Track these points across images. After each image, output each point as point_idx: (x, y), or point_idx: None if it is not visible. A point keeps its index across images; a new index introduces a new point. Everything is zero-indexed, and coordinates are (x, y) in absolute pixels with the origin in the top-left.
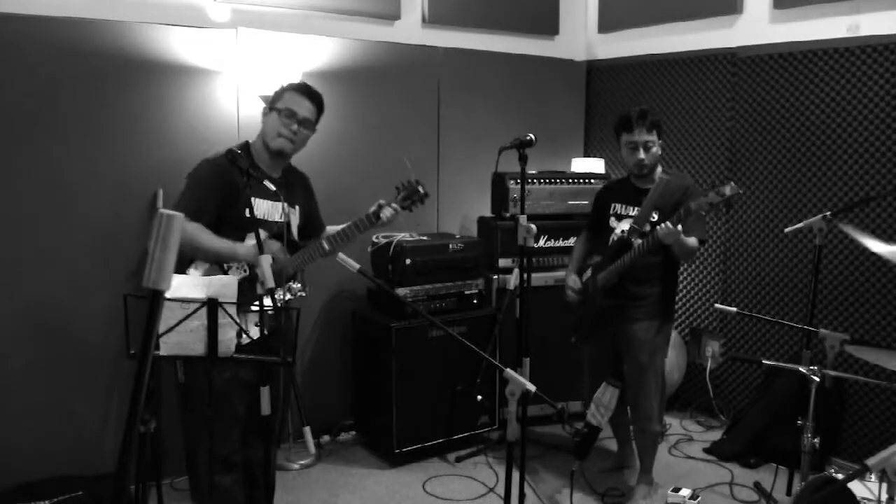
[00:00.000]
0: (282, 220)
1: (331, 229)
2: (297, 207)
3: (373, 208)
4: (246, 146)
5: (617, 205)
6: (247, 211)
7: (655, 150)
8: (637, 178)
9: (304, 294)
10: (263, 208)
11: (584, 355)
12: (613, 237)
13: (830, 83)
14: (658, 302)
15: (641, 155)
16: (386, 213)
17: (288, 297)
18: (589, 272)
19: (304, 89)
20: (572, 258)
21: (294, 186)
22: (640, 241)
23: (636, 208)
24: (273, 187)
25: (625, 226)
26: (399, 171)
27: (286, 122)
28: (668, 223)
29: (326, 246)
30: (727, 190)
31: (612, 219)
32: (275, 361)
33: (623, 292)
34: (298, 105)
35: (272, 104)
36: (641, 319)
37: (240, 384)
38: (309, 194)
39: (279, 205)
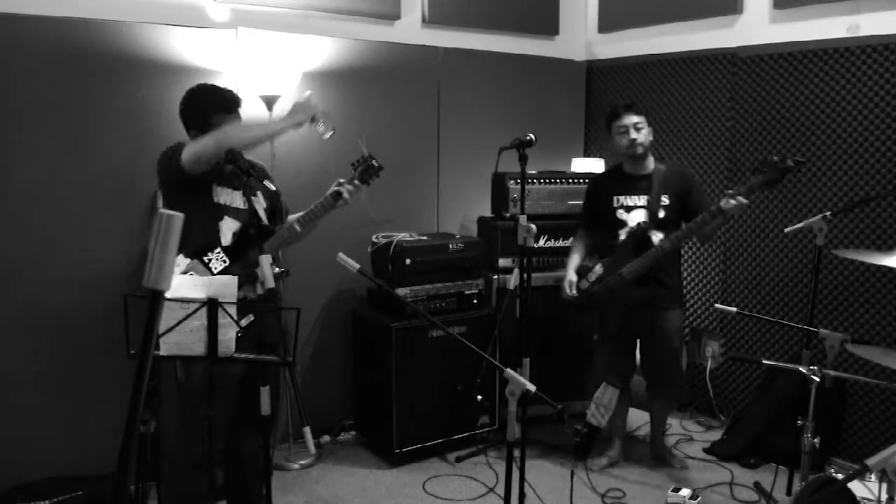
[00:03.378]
0: (244, 206)
1: (292, 217)
2: (258, 194)
3: (333, 188)
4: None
5: (619, 197)
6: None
7: (646, 131)
8: (631, 165)
9: (280, 272)
10: (225, 196)
11: (601, 353)
12: (627, 230)
13: (830, 83)
14: (678, 287)
15: (633, 135)
16: (347, 189)
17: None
18: (599, 270)
19: (227, 106)
20: (572, 257)
21: (241, 180)
22: (658, 229)
23: (640, 197)
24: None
25: (637, 216)
26: (398, 170)
27: None
28: (739, 197)
29: (298, 228)
30: (790, 162)
31: (620, 211)
32: (275, 361)
33: (653, 281)
34: (229, 123)
35: (205, 130)
36: (671, 308)
37: (222, 382)
38: (268, 178)
39: (237, 193)
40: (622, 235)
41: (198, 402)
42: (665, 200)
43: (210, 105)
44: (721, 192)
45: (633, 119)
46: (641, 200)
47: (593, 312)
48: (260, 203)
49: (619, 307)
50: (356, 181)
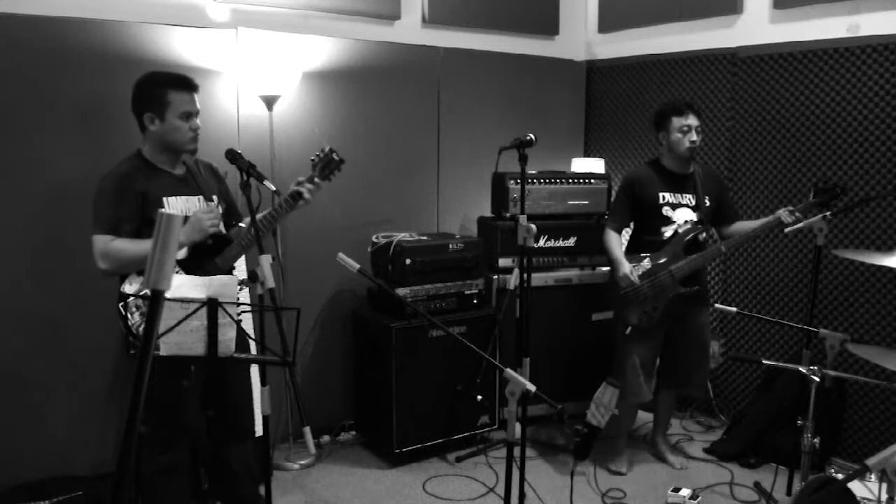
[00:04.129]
0: None
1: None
2: (214, 198)
3: (292, 188)
4: (139, 154)
5: (666, 194)
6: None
7: (701, 135)
8: (676, 163)
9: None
10: (179, 206)
11: (641, 346)
12: (675, 228)
13: (830, 83)
14: (707, 286)
15: (695, 136)
16: (307, 188)
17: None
18: (647, 265)
19: (183, 83)
20: (615, 251)
21: (201, 176)
22: (705, 229)
23: (685, 195)
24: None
25: (684, 214)
26: (398, 170)
27: (189, 124)
28: (798, 214)
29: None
30: (838, 189)
31: (667, 208)
32: (275, 362)
33: (699, 279)
34: (189, 102)
35: (160, 110)
36: (707, 305)
37: (194, 392)
38: (219, 180)
39: (195, 199)
40: (666, 232)
41: (169, 408)
42: (707, 202)
43: (168, 82)
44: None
45: (695, 121)
46: (685, 199)
47: (632, 307)
48: (215, 207)
49: (663, 304)
50: (316, 179)
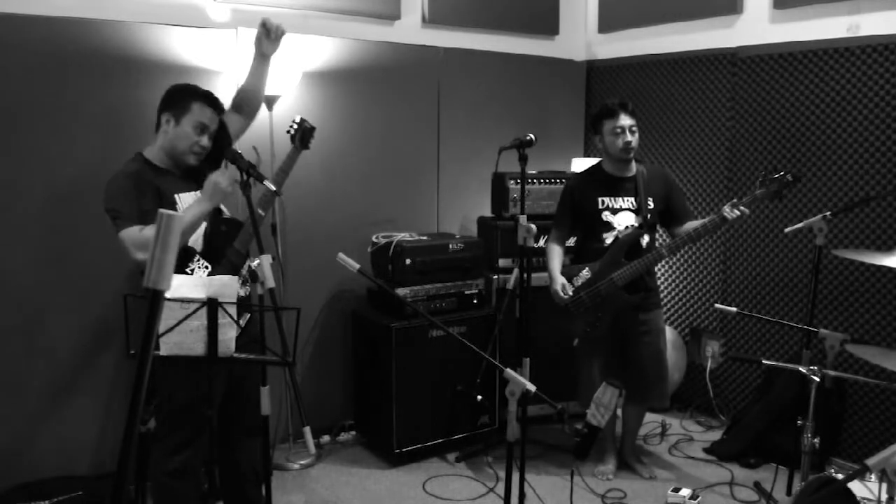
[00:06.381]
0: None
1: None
2: None
3: (279, 165)
4: (140, 156)
5: (605, 198)
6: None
7: (638, 135)
8: (616, 167)
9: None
10: (190, 202)
11: (593, 358)
12: (615, 233)
13: (830, 83)
14: (657, 289)
15: (629, 137)
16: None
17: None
18: (587, 274)
19: (210, 99)
20: (553, 261)
21: (204, 174)
22: (643, 230)
23: (626, 199)
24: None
25: (624, 218)
26: (398, 170)
27: (199, 138)
28: (742, 208)
29: (262, 212)
30: (789, 177)
31: (606, 213)
32: (275, 362)
33: (643, 284)
34: (209, 118)
35: (179, 114)
36: (656, 308)
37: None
38: None
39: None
40: (608, 238)
41: (191, 409)
42: (650, 203)
43: (196, 94)
44: (720, 193)
45: (628, 121)
46: (627, 202)
47: (575, 320)
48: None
49: (608, 313)
50: (298, 146)
